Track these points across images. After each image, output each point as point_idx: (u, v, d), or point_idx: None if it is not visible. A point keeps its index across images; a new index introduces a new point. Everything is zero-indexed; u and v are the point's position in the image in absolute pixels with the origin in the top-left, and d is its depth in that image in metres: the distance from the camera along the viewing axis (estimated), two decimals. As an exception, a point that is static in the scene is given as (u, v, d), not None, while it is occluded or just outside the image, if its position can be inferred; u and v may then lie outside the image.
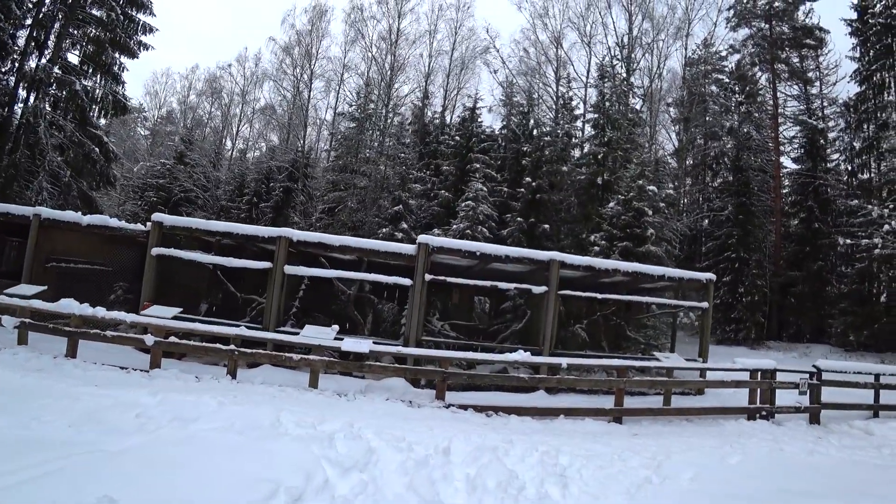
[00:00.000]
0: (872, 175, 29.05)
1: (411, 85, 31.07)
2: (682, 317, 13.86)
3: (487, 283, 10.56)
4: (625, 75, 22.61)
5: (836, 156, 30.35)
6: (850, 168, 30.11)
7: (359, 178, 23.67)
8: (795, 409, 10.35)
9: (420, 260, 10.38)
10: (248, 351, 8.20)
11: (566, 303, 11.84)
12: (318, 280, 11.58)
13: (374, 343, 8.19)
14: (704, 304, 11.57)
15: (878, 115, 28.29)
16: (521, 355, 8.07)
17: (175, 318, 9.41)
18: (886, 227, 15.40)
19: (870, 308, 25.20)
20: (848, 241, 17.60)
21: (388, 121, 27.81)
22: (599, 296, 10.70)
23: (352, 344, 8.10)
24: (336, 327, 9.08)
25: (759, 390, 9.88)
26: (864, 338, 24.52)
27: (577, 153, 25.62)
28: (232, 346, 8.25)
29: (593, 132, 22.63)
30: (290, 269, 10.63)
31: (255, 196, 32.44)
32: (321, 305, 12.67)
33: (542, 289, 10.50)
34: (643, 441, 7.59)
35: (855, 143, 29.97)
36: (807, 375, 10.70)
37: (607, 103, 22.03)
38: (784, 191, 29.67)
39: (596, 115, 22.54)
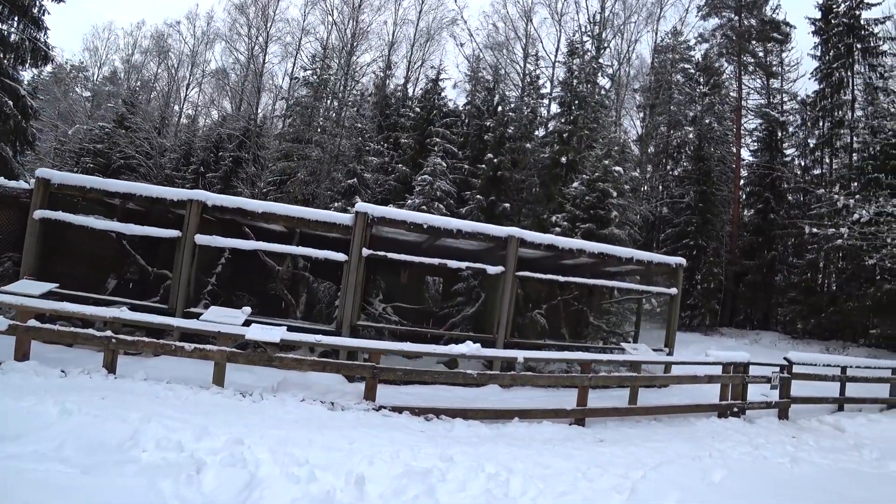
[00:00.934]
0: (824, 171, 29.02)
1: (373, 54, 28.81)
2: (645, 303, 12.64)
3: (435, 261, 8.93)
4: (594, 53, 21.09)
5: (790, 150, 30.12)
6: (803, 164, 29.94)
7: (311, 148, 21.48)
8: (766, 404, 9.30)
9: (357, 231, 8.65)
10: (128, 339, 6.33)
11: (525, 286, 10.38)
12: (242, 254, 9.68)
13: (289, 330, 6.43)
14: (673, 291, 10.35)
15: (835, 112, 28.07)
16: (470, 347, 6.52)
17: (49, 294, 7.41)
18: (856, 215, 14.49)
19: (816, 298, 25.15)
20: (815, 230, 16.73)
21: (347, 90, 25.53)
22: (562, 278, 9.27)
23: (259, 332, 6.35)
24: (248, 309, 7.30)
25: (730, 385, 8.72)
26: (810, 326, 24.44)
27: (541, 132, 24.16)
28: (109, 333, 6.35)
29: (559, 110, 21.17)
30: (202, 239, 8.71)
31: (203, 165, 29.64)
32: (246, 284, 10.78)
33: (499, 269, 8.97)
34: (611, 450, 6.21)
35: (810, 140, 29.83)
36: (777, 369, 9.66)
37: (575, 81, 20.56)
38: (741, 182, 29.18)
39: (563, 93, 21.07)
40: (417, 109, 22.92)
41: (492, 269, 8.93)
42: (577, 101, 19.98)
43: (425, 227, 8.94)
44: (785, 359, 9.93)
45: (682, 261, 10.58)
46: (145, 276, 10.24)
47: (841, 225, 17.02)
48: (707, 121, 28.54)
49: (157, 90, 32.55)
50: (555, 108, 22.61)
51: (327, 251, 8.77)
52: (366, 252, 8.67)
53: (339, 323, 8.71)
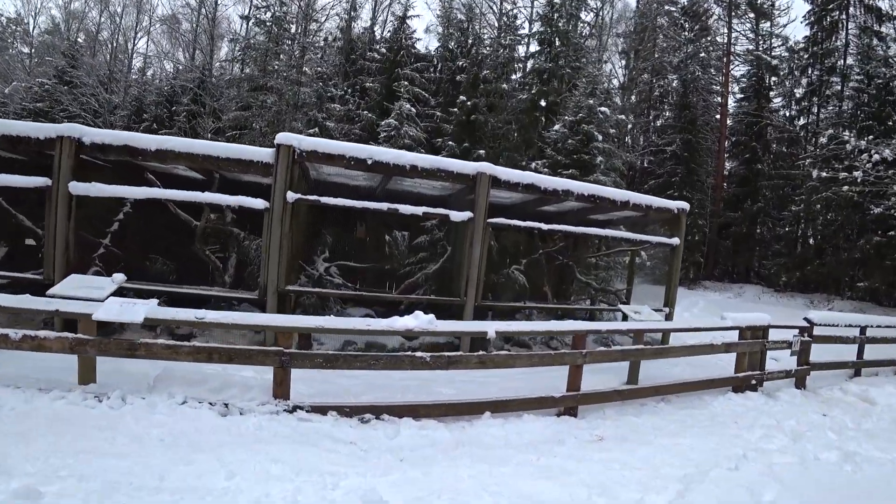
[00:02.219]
0: (810, 121, 27.15)
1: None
2: (630, 256, 10.74)
3: (383, 206, 6.75)
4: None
5: (778, 100, 28.07)
6: (788, 114, 27.96)
7: (268, 95, 18.70)
8: (786, 373, 7.55)
9: (280, 170, 6.42)
10: None
11: (500, 237, 8.32)
12: (152, 208, 7.39)
13: (206, 302, 4.33)
14: (675, 240, 8.40)
15: (824, 60, 25.95)
16: (419, 320, 4.49)
17: None
18: (876, 156, 12.62)
19: (802, 251, 23.80)
20: (823, 173, 14.92)
21: (309, 34, 22.44)
22: (545, 226, 7.20)
23: (113, 310, 4.21)
24: (120, 277, 5.12)
25: (747, 354, 6.92)
26: (794, 279, 23.14)
27: (520, 75, 21.55)
28: None
29: (538, 48, 18.57)
30: (78, 188, 6.39)
31: (156, 122, 26.43)
32: (162, 245, 8.52)
33: (466, 215, 6.85)
34: (617, 455, 4.31)
35: (796, 91, 27.79)
36: (797, 331, 7.91)
37: (556, 15, 17.93)
38: (727, 132, 27.16)
39: (543, 28, 18.43)
40: (384, 51, 20.10)
41: (457, 216, 6.82)
42: (557, 38, 17.43)
43: (370, 162, 6.72)
44: (805, 319, 8.16)
45: (685, 205, 8.60)
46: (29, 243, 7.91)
47: (855, 168, 15.24)
48: (692, 69, 26.23)
49: (100, 41, 28.74)
50: (534, 47, 20.00)
51: (243, 197, 6.54)
52: (292, 196, 6.46)
53: (263, 289, 6.58)
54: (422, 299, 7.00)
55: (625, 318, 9.48)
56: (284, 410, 4.40)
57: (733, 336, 6.96)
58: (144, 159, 6.66)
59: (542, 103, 16.85)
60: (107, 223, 7.46)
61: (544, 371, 5.67)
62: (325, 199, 6.72)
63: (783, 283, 23.74)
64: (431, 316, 4.55)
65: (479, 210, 6.88)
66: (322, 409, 4.44)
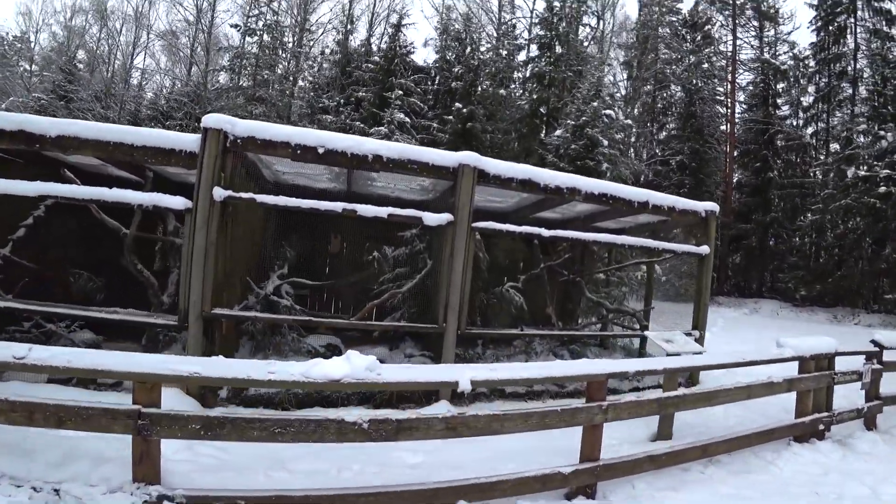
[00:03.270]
0: (819, 129, 25.55)
1: (331, 4, 24.34)
2: (646, 270, 9.10)
3: (338, 206, 5.15)
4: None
5: (786, 108, 26.51)
6: (795, 123, 26.35)
7: (255, 106, 17.40)
8: (856, 412, 5.79)
9: (207, 161, 4.87)
10: None
11: (491, 249, 6.68)
12: (69, 212, 5.86)
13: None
14: (704, 249, 6.73)
15: (832, 65, 24.48)
16: (351, 365, 2.85)
17: None
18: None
19: (822, 262, 21.94)
20: (861, 171, 13.22)
21: (303, 44, 21.28)
22: (546, 231, 5.54)
23: None
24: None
25: (811, 391, 5.19)
26: (815, 293, 21.21)
27: (519, 83, 20.11)
28: None
29: (538, 53, 17.18)
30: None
31: (151, 138, 25.37)
32: (90, 258, 6.97)
33: (443, 217, 5.23)
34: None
35: (803, 99, 26.26)
36: (863, 358, 6.17)
37: (556, 18, 16.57)
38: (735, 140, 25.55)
39: (544, 32, 17.07)
40: (377, 59, 18.80)
41: (432, 218, 5.19)
42: (558, 42, 16.04)
43: (321, 150, 5.14)
44: (873, 342, 6.39)
45: (714, 207, 6.95)
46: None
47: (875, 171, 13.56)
48: (696, 80, 24.81)
49: (97, 56, 27.89)
50: (534, 52, 18.65)
51: (157, 195, 4.99)
52: (220, 193, 4.90)
53: (184, 313, 4.98)
54: (390, 327, 5.36)
55: (641, 345, 7.84)
56: (147, 502, 2.76)
57: (791, 369, 5.25)
58: (43, 147, 5.13)
59: (543, 110, 15.36)
60: (11, 229, 5.93)
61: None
62: (261, 198, 5.15)
63: (801, 296, 21.88)
64: (372, 359, 2.92)
65: (461, 211, 5.28)
66: (204, 502, 2.79)
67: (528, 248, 7.43)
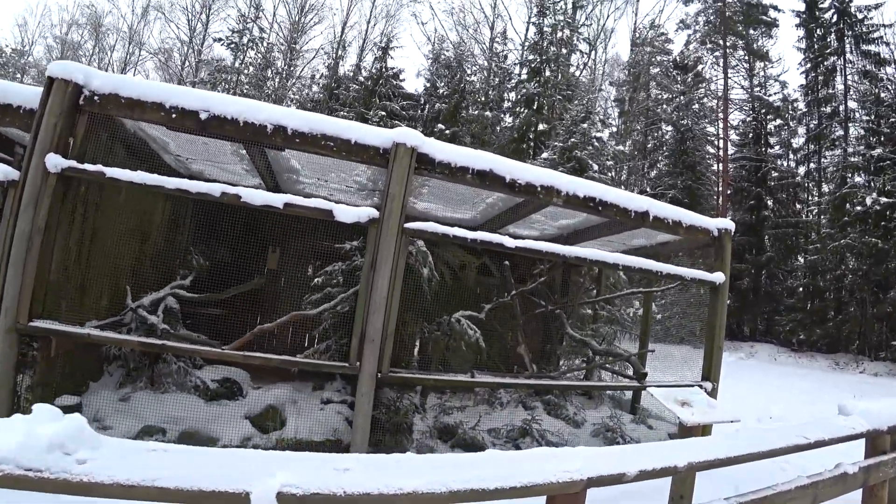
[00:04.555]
0: (810, 168, 24.46)
1: (323, 27, 23.50)
2: (638, 304, 7.42)
3: (215, 190, 3.51)
4: (570, 7, 16.10)
5: (777, 148, 25.50)
6: (784, 165, 25.27)
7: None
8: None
9: (47, 121, 3.32)
10: None
11: (445, 267, 4.95)
12: None
13: None
14: (719, 277, 5.08)
15: (820, 107, 23.66)
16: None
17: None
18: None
19: (820, 305, 20.28)
20: (884, 199, 11.76)
21: (293, 66, 20.24)
22: (511, 241, 3.86)
23: None
24: None
25: (886, 482, 3.42)
26: (815, 337, 19.42)
27: (508, 119, 18.90)
28: None
29: (527, 77, 16.00)
30: None
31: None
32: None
33: (363, 214, 3.58)
34: None
35: (793, 140, 25.34)
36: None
37: (546, 42, 15.50)
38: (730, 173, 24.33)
39: (533, 57, 15.95)
40: (361, 79, 17.65)
41: (347, 214, 3.52)
42: (547, 66, 14.89)
43: (204, 116, 3.58)
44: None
45: (729, 224, 5.35)
46: None
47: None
48: (686, 120, 23.87)
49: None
50: (524, 76, 17.51)
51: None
52: (57, 163, 3.27)
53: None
54: (269, 362, 3.61)
55: (634, 398, 6.06)
56: None
57: (861, 449, 3.49)
58: None
59: (531, 134, 14.00)
60: None
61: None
62: (112, 172, 3.50)
63: (799, 341, 20.13)
64: (76, 422, 1.18)
65: (389, 206, 3.64)
66: None
67: (499, 270, 5.75)
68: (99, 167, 3.56)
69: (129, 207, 4.86)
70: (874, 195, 15.09)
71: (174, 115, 3.64)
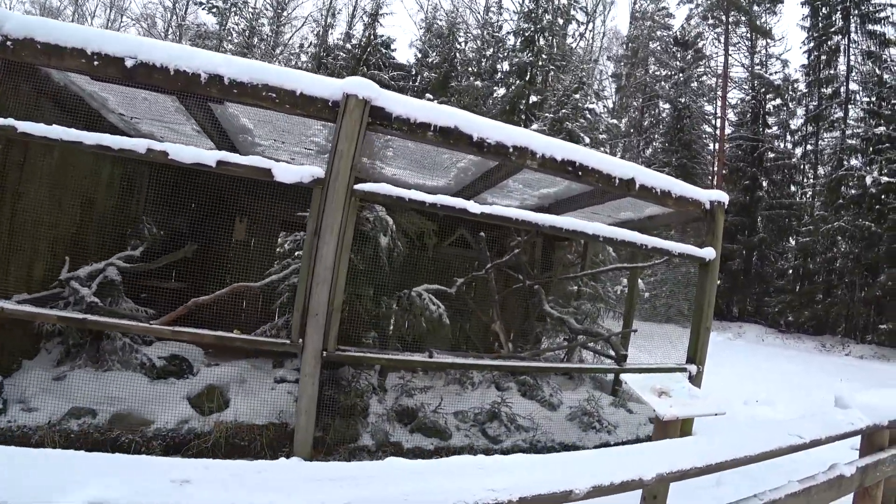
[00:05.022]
0: (807, 150, 23.87)
1: None
2: (623, 279, 7.00)
3: (139, 146, 3.03)
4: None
5: (776, 128, 24.85)
6: (782, 146, 24.64)
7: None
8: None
9: None
10: None
11: (413, 239, 4.48)
12: None
13: None
14: (709, 252, 4.66)
15: (821, 88, 22.92)
16: None
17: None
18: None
19: (810, 287, 20.04)
20: (885, 178, 11.33)
21: (280, 33, 19.27)
22: (475, 207, 3.39)
23: None
24: None
25: (881, 483, 3.06)
26: (803, 318, 19.25)
27: (501, 90, 18.14)
28: None
29: (520, 46, 15.20)
30: None
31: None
32: None
33: (306, 174, 3.07)
34: None
35: (791, 122, 24.66)
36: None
37: (541, 10, 14.67)
38: (726, 153, 23.75)
39: (527, 26, 15.13)
40: (349, 47, 16.80)
41: (288, 173, 2.95)
42: (542, 34, 14.12)
43: (131, 64, 3.07)
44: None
45: (722, 196, 4.89)
46: None
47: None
48: (685, 98, 23.14)
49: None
50: (517, 44, 16.67)
51: None
52: None
53: None
54: (223, 339, 3.18)
55: (616, 380, 5.70)
56: None
57: (856, 451, 3.13)
58: None
59: (522, 105, 13.35)
60: None
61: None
62: (24, 126, 3.00)
63: (786, 322, 19.96)
64: None
65: (337, 165, 3.16)
66: None
67: (469, 233, 5.31)
68: (10, 121, 3.06)
69: (65, 170, 4.36)
70: (874, 174, 14.56)
71: (97, 63, 3.12)
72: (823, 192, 20.21)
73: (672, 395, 2.67)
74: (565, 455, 1.59)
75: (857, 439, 2.96)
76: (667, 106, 26.75)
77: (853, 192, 18.16)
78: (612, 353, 5.66)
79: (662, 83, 25.63)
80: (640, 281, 8.34)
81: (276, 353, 4.62)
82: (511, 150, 3.61)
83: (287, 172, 3.18)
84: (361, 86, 3.32)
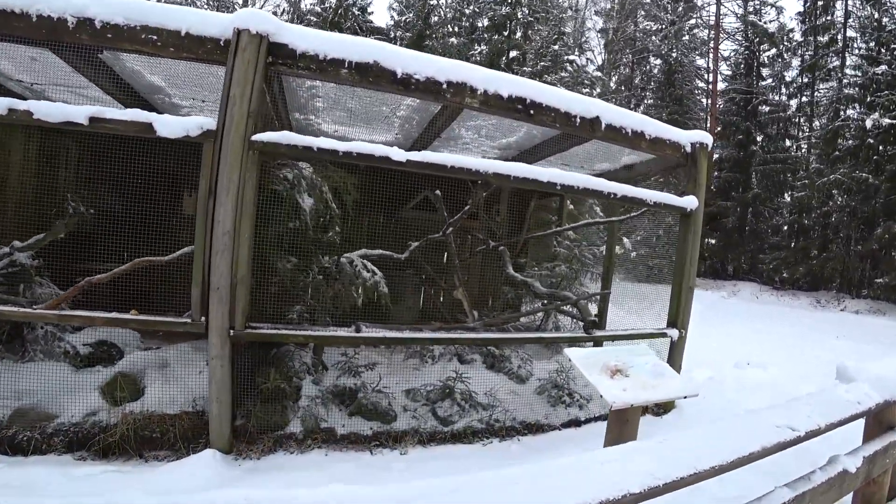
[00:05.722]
0: (802, 102, 22.90)
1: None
2: (598, 241, 6.48)
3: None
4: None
5: (770, 80, 23.80)
6: (777, 99, 23.62)
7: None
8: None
9: None
10: None
11: (359, 198, 3.94)
12: None
13: None
14: (690, 201, 4.13)
15: (820, 35, 21.77)
16: None
17: None
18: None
19: (804, 243, 19.55)
20: (886, 119, 10.74)
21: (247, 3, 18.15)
22: (398, 154, 2.83)
23: None
24: None
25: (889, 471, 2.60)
26: (798, 275, 18.86)
27: (482, 47, 17.13)
28: None
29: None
30: None
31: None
32: None
33: (194, 125, 2.54)
34: None
35: (786, 73, 23.56)
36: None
37: (520, -41, 13.58)
38: (718, 107, 22.84)
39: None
40: (319, 10, 15.75)
41: (171, 126, 2.33)
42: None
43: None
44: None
45: (705, 137, 4.33)
46: None
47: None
48: (675, 53, 22.03)
49: None
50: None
51: None
52: None
53: None
54: (115, 321, 2.71)
55: (597, 343, 5.26)
56: None
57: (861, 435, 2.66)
58: None
59: (502, 63, 12.50)
60: None
61: None
62: None
63: (781, 279, 19.58)
64: None
65: (231, 114, 2.61)
66: None
67: (435, 201, 4.76)
68: None
69: None
70: (875, 116, 13.81)
71: None
72: (819, 144, 19.46)
73: (630, 375, 2.18)
74: (442, 484, 1.11)
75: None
76: (658, 62, 25.65)
77: (850, 142, 17.47)
78: (592, 317, 5.21)
79: (653, 38, 24.43)
80: (625, 239, 7.85)
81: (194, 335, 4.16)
82: (444, 86, 3.03)
83: (170, 126, 2.62)
84: (256, 18, 2.73)
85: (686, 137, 4.22)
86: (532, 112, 3.28)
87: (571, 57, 10.39)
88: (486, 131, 4.19)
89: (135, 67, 3.68)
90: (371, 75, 2.91)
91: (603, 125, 3.60)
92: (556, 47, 10.01)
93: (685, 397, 2.31)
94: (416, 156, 2.89)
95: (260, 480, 2.64)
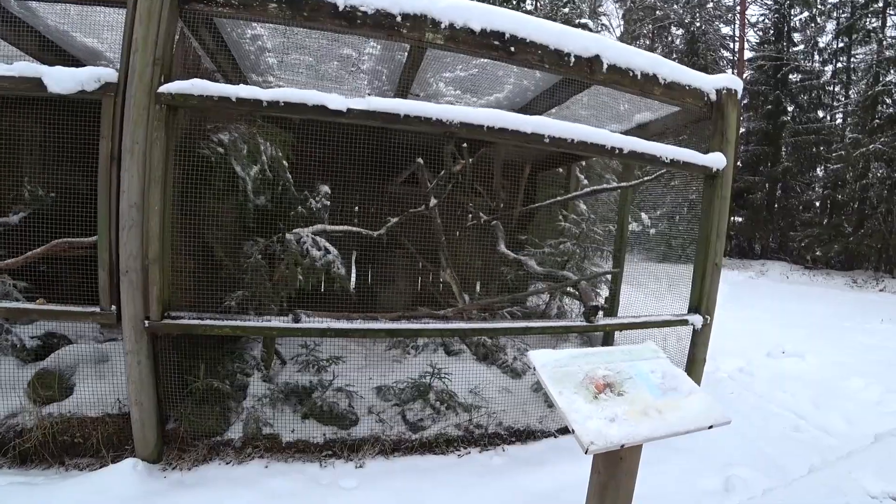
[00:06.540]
0: (838, 68, 21.18)
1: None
2: (632, 220, 5.75)
3: None
4: None
5: (801, 46, 22.09)
6: (811, 66, 21.89)
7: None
8: None
9: None
10: None
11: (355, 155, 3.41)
12: None
13: None
14: (717, 160, 3.46)
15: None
16: None
17: None
18: None
19: (838, 220, 18.20)
20: None
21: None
22: (343, 102, 2.30)
23: None
24: None
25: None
26: (832, 253, 17.60)
27: None
28: None
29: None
30: None
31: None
32: None
33: (89, 77, 1.94)
34: None
35: (818, 38, 21.79)
36: None
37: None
38: (745, 78, 21.35)
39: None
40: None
41: (62, 80, 1.86)
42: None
43: None
44: None
45: (734, 82, 3.61)
46: None
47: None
48: (698, 22, 20.58)
49: None
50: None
51: None
52: None
53: None
54: (17, 311, 2.28)
55: (605, 344, 4.61)
56: None
57: None
58: None
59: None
60: None
61: None
62: None
63: (813, 258, 18.32)
64: None
65: (133, 63, 2.09)
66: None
67: (417, 170, 4.20)
68: None
69: None
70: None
71: None
72: (857, 112, 17.97)
73: (625, 392, 1.52)
74: None
75: None
76: (679, 31, 24.14)
77: (891, 110, 16.02)
78: (601, 300, 4.60)
79: (675, 6, 22.96)
80: (644, 215, 7.11)
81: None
82: (399, 18, 2.44)
83: (62, 80, 2.12)
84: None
85: (710, 83, 3.52)
86: (513, 49, 2.66)
87: (584, 21, 9.53)
88: (470, 84, 3.58)
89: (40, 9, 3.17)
90: (306, 9, 2.34)
91: (605, 65, 2.94)
92: (566, 10, 9.18)
93: (710, 427, 1.61)
94: (358, 103, 2.32)
95: (181, 499, 2.18)
